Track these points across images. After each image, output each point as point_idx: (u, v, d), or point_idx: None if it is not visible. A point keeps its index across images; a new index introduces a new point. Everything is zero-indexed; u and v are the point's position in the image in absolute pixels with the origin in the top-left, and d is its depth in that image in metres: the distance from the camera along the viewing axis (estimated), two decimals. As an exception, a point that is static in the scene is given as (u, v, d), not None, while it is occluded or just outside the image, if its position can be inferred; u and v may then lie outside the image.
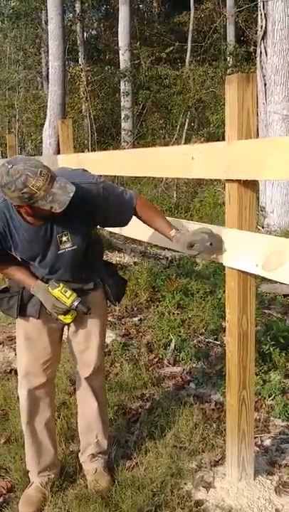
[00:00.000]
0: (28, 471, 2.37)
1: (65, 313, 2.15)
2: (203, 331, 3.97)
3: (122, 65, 14.71)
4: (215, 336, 3.91)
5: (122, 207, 2.15)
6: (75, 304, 2.12)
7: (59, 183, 1.86)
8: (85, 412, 2.42)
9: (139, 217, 2.21)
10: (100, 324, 2.33)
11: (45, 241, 2.06)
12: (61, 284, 2.12)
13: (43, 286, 2.14)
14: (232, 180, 2.07)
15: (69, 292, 2.12)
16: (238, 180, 2.04)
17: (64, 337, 2.38)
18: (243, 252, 2.02)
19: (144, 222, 2.23)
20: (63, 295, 2.11)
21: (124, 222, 2.22)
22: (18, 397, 3.07)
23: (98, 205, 2.06)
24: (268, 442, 2.63)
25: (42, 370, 2.27)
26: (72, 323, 2.27)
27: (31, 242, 2.05)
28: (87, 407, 2.40)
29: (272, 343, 3.40)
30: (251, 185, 2.07)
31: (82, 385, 2.39)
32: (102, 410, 2.43)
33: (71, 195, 1.85)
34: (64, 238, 2.06)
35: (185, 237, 2.07)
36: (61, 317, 2.17)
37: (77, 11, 18.03)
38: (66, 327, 2.33)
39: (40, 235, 2.04)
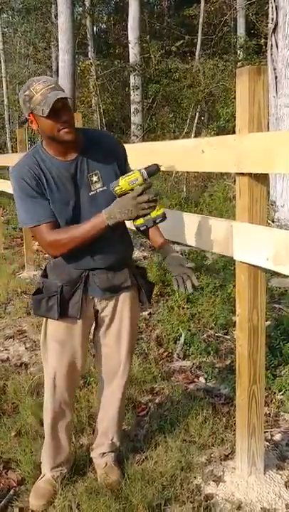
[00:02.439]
0: (40, 463, 2.38)
1: (151, 202, 1.92)
2: (213, 325, 3.96)
3: (132, 59, 14.66)
4: (225, 331, 3.91)
5: None
6: (143, 171, 1.92)
7: (59, 92, 1.92)
8: (105, 417, 2.38)
9: None
10: (131, 326, 2.27)
11: (76, 181, 2.05)
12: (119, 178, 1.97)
13: (111, 205, 1.96)
14: (242, 174, 2.06)
15: (130, 171, 1.97)
16: (249, 174, 2.03)
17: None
18: (254, 245, 2.01)
19: None
20: (129, 176, 1.93)
21: None
22: (28, 393, 3.10)
23: (118, 149, 2.18)
24: (278, 437, 2.62)
25: (72, 374, 2.23)
26: (100, 325, 2.22)
27: (64, 182, 2.04)
28: (109, 412, 2.37)
29: (283, 337, 3.39)
30: (262, 178, 2.06)
31: (108, 391, 2.34)
32: (121, 416, 2.42)
33: (58, 96, 1.88)
34: (94, 178, 2.07)
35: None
36: (154, 213, 1.95)
37: (87, 5, 17.98)
38: (93, 330, 2.27)
39: (71, 172, 2.04)
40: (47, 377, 2.26)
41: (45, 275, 2.19)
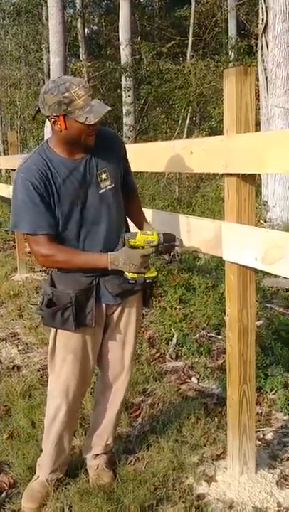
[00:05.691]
0: (32, 466, 2.37)
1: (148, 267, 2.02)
2: (205, 325, 3.97)
3: (123, 60, 14.67)
4: (217, 331, 3.91)
5: (131, 174, 2.30)
6: (161, 236, 2.01)
7: (97, 100, 1.94)
8: (103, 419, 2.37)
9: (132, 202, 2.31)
10: (135, 330, 2.27)
11: (86, 179, 2.03)
12: (138, 231, 2.05)
13: (119, 250, 2.04)
14: (231, 175, 2.07)
15: (150, 231, 2.03)
16: (237, 174, 2.04)
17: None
18: (242, 245, 2.02)
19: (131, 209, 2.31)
20: (147, 235, 2.00)
21: (132, 188, 2.31)
22: (21, 395, 3.09)
23: (121, 146, 2.20)
24: (269, 436, 2.63)
25: (84, 382, 2.22)
26: (106, 329, 2.20)
27: (73, 181, 2.01)
28: (107, 415, 2.36)
29: (275, 337, 3.41)
30: (250, 179, 2.06)
31: (109, 394, 2.33)
32: (118, 419, 2.41)
33: (107, 109, 1.93)
34: (104, 176, 2.06)
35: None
36: (148, 274, 2.03)
37: (78, 7, 17.97)
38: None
39: (80, 171, 2.03)
40: (57, 389, 2.21)
41: (52, 284, 2.12)
